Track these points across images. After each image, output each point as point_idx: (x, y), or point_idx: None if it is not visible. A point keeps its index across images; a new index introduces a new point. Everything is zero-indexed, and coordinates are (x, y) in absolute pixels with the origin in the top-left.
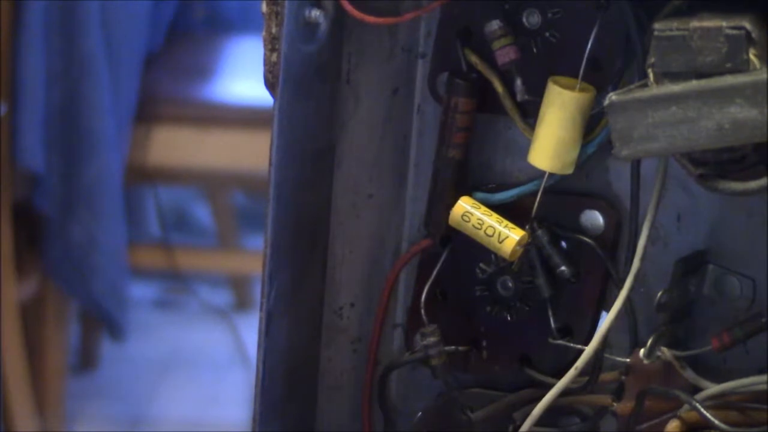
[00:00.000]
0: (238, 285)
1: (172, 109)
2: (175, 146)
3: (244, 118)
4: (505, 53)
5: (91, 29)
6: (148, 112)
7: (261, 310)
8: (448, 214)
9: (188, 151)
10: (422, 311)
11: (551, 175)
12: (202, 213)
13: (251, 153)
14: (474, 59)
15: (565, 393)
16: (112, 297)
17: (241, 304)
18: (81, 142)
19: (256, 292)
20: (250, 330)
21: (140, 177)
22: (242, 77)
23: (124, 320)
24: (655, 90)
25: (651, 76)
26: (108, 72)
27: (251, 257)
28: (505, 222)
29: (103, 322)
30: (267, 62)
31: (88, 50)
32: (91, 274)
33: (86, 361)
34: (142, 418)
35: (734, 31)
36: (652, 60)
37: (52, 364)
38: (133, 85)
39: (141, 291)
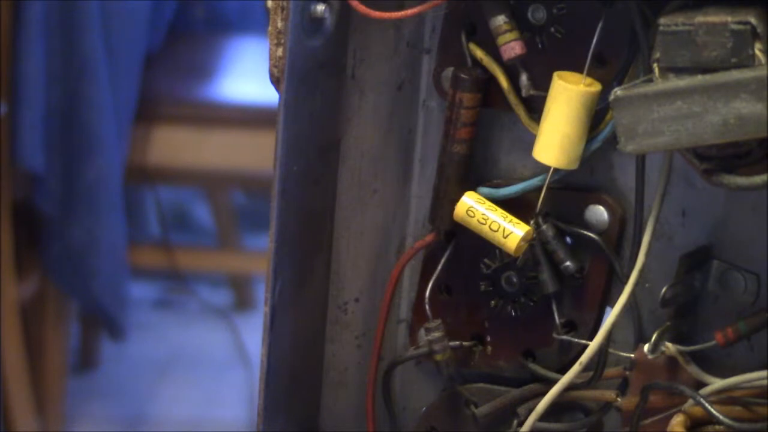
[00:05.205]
0: (238, 285)
1: (172, 109)
2: (175, 146)
3: (244, 117)
4: (510, 48)
5: (91, 29)
6: (148, 112)
7: (266, 305)
8: (453, 209)
9: (188, 151)
10: (427, 306)
11: (556, 170)
12: (202, 213)
13: (251, 153)
14: (479, 54)
15: (569, 388)
16: (112, 297)
17: (241, 304)
18: (81, 142)
19: (256, 292)
20: (250, 330)
21: (140, 177)
22: (242, 77)
23: (124, 320)
24: (660, 85)
25: (656, 71)
26: (108, 72)
27: (251, 257)
28: (510, 217)
29: (103, 322)
30: (272, 57)
31: (88, 50)
32: (91, 274)
33: (86, 361)
34: (142, 418)
35: (739, 26)
36: (657, 55)
37: (52, 364)
38: (133, 85)
39: (141, 291)
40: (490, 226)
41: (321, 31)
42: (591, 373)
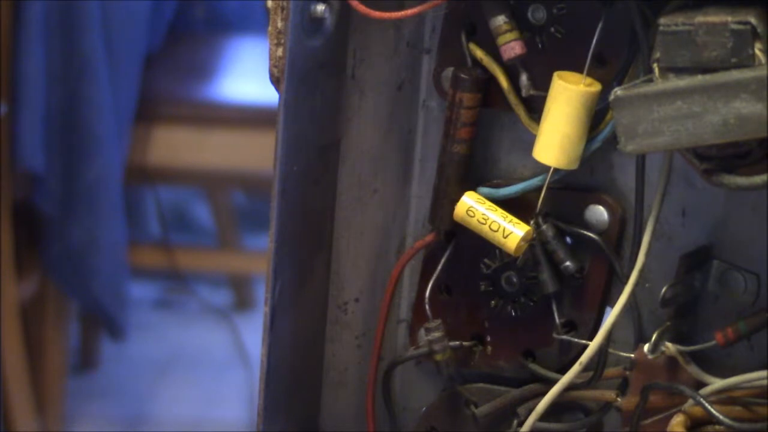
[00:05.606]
0: (238, 285)
1: (172, 109)
2: (175, 146)
3: (244, 117)
4: (511, 48)
5: (91, 29)
6: (148, 112)
7: (266, 305)
8: (453, 209)
9: (188, 151)
10: (426, 306)
11: (556, 170)
12: (202, 213)
13: (251, 153)
14: (479, 54)
15: (569, 388)
16: (112, 297)
17: (241, 304)
18: (81, 142)
19: (256, 292)
20: (250, 330)
21: (140, 177)
22: (242, 77)
23: (124, 320)
24: (660, 85)
25: (656, 71)
26: (108, 72)
27: (251, 257)
28: (510, 217)
29: (103, 322)
30: (272, 57)
31: (88, 50)
32: (91, 274)
33: (86, 361)
34: (142, 418)
35: (739, 26)
36: (657, 55)
37: (52, 364)
38: (133, 85)
39: (141, 291)
40: (490, 226)
41: (321, 31)
42: (591, 373)
